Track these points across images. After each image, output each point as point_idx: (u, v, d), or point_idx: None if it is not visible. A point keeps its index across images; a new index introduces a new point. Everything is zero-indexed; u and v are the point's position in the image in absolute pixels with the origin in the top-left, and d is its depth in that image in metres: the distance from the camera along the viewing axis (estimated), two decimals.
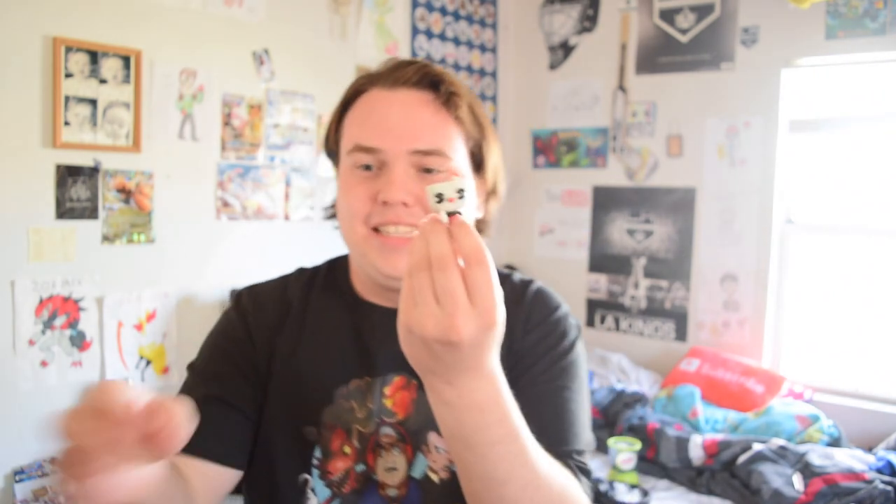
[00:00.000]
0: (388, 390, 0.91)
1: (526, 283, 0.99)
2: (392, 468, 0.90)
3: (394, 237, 0.86)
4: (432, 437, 0.90)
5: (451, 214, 0.62)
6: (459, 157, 0.89)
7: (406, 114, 0.87)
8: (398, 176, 0.85)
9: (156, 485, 0.59)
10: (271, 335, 0.94)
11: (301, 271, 1.03)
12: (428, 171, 0.87)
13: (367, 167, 0.87)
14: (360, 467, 0.90)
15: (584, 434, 0.91)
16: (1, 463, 2.04)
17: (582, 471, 0.87)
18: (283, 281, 1.01)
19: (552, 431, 0.86)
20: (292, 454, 0.90)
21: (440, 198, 0.62)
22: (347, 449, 0.90)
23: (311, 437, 0.90)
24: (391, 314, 0.88)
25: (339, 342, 0.94)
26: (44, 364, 2.12)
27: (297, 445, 0.90)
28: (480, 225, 0.99)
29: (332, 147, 0.96)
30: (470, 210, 0.63)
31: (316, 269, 1.03)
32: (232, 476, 0.88)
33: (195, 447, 0.78)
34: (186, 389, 0.91)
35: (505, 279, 0.98)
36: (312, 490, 0.89)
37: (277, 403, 0.92)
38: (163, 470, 0.62)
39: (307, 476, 0.89)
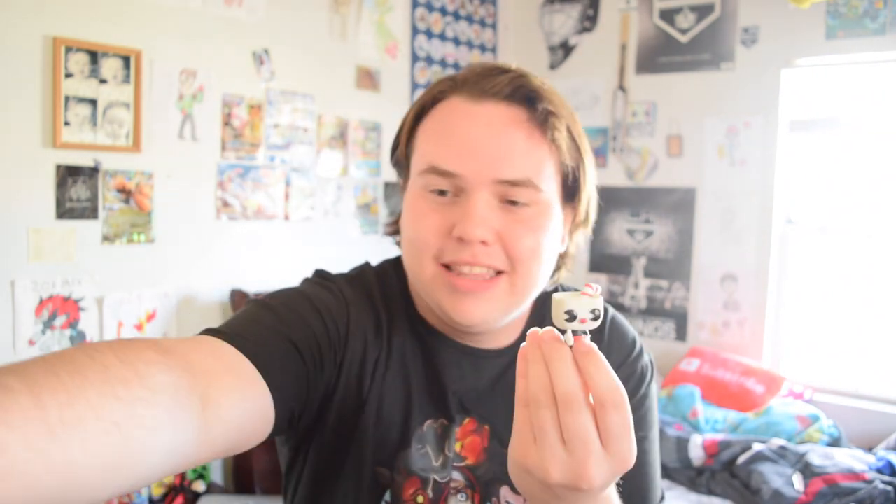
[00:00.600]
0: (457, 433, 0.82)
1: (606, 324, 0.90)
2: None
3: (467, 279, 0.74)
4: (504, 491, 0.82)
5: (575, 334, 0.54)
6: (550, 187, 0.76)
7: (493, 134, 0.73)
8: (478, 209, 0.72)
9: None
10: (365, 349, 0.79)
11: (377, 276, 0.86)
12: (513, 202, 0.74)
13: (442, 192, 0.74)
14: None
15: (660, 483, 0.86)
16: None
17: None
18: (363, 282, 0.84)
19: (635, 490, 0.81)
20: (362, 493, 0.79)
21: (570, 315, 0.54)
22: (420, 498, 0.80)
23: (384, 480, 0.80)
24: (460, 350, 0.83)
25: (416, 377, 0.82)
26: None
27: (366, 484, 0.79)
28: (563, 259, 0.86)
29: (400, 158, 0.82)
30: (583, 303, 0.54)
31: (385, 279, 0.86)
32: (265, 418, 0.65)
33: (251, 353, 0.65)
34: (249, 316, 0.73)
35: None
36: None
37: (360, 433, 0.79)
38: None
39: None
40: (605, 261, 3.53)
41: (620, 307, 3.47)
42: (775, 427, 2.61)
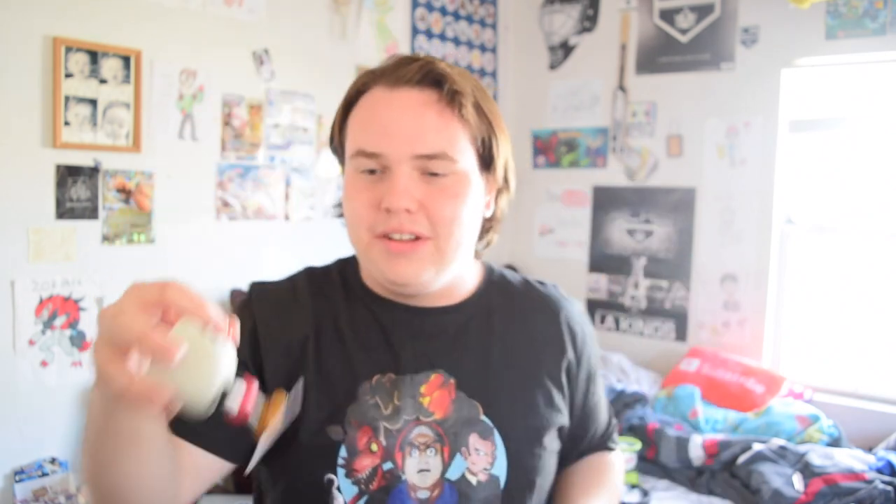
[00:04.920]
0: (424, 389, 0.89)
1: (555, 292, 1.05)
2: (424, 470, 0.87)
3: (398, 242, 0.84)
4: (472, 439, 0.88)
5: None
6: (466, 157, 0.87)
7: (408, 116, 0.84)
8: (401, 182, 0.82)
9: (162, 445, 0.71)
10: (285, 336, 0.90)
11: (310, 271, 0.99)
12: (433, 174, 0.85)
13: (371, 171, 0.85)
14: (388, 465, 0.87)
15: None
16: (1, 463, 2.04)
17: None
18: (292, 281, 0.97)
19: (602, 431, 1.10)
20: (316, 455, 0.87)
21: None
22: (374, 447, 0.87)
23: (336, 437, 0.87)
24: (411, 311, 0.92)
25: (360, 339, 0.91)
26: (44, 364, 2.12)
27: (321, 445, 0.86)
28: (490, 222, 0.97)
29: (336, 147, 0.95)
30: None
31: (327, 268, 1.00)
32: (223, 468, 0.85)
33: (195, 434, 0.81)
34: None
35: (528, 285, 1.04)
36: (338, 489, 0.86)
37: (300, 405, 0.88)
38: (167, 440, 0.72)
39: (332, 476, 0.86)
40: (604, 261, 3.52)
41: (620, 307, 3.47)
42: (775, 427, 2.61)
